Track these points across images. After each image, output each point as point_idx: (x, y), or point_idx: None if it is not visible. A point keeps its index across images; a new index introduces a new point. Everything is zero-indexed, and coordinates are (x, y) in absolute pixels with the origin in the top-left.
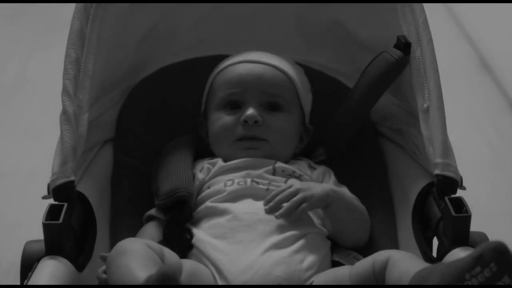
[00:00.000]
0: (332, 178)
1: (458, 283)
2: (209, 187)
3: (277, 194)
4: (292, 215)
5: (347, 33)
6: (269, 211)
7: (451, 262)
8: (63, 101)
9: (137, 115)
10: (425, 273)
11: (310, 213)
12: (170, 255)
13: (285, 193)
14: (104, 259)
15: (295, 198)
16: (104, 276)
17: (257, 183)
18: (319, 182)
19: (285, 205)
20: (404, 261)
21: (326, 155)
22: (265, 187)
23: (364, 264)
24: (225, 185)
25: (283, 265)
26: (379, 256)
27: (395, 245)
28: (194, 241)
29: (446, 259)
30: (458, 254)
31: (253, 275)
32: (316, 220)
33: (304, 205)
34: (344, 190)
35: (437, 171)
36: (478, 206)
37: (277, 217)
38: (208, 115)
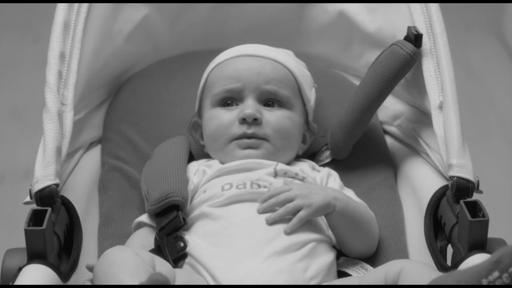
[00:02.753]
0: (337, 181)
1: None
2: (204, 191)
3: (274, 195)
4: (289, 223)
5: (353, 24)
6: (261, 212)
7: (467, 268)
8: (46, 98)
9: (125, 114)
10: (439, 281)
11: (315, 219)
12: (162, 264)
13: (282, 196)
14: (90, 269)
15: (290, 205)
16: (90, 285)
17: (258, 186)
18: (323, 186)
19: (280, 210)
20: (417, 271)
21: (331, 158)
22: (266, 190)
23: (376, 275)
24: (222, 189)
25: (285, 274)
26: (392, 267)
27: (405, 253)
28: (188, 249)
29: (462, 267)
30: (475, 261)
31: (253, 284)
32: (321, 226)
33: (301, 213)
34: (350, 196)
35: (451, 173)
36: (496, 210)
37: (267, 222)
38: (203, 113)
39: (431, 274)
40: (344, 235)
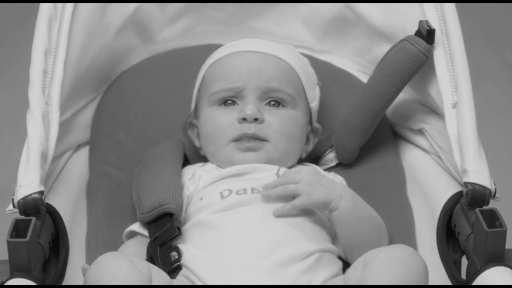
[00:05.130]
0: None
1: None
2: (201, 198)
3: (286, 176)
4: (281, 213)
5: (359, 17)
6: (265, 188)
7: None
8: (30, 98)
9: (115, 114)
10: None
11: (320, 228)
12: (159, 274)
13: (288, 177)
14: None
15: (290, 186)
16: (86, 284)
17: (259, 191)
18: None
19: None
20: (381, 267)
21: (337, 161)
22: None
23: (354, 265)
24: (221, 196)
25: None
26: (369, 256)
27: None
28: (183, 260)
29: (478, 281)
30: (492, 275)
31: None
32: (326, 235)
33: (297, 201)
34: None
35: (466, 179)
36: None
37: (262, 198)
38: (200, 113)
39: (394, 274)
40: (350, 237)
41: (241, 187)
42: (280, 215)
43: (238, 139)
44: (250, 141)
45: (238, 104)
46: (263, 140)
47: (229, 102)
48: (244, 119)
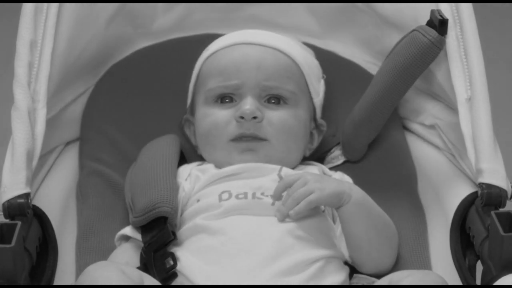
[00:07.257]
0: None
1: None
2: (198, 200)
3: (286, 185)
4: (298, 212)
5: (367, 6)
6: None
7: None
8: (15, 94)
9: (106, 109)
10: None
11: (325, 232)
12: (152, 283)
13: (295, 186)
14: None
15: (301, 190)
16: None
17: (261, 195)
18: None
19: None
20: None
21: (343, 159)
22: (270, 201)
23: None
24: (220, 198)
25: None
26: (398, 275)
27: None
28: (179, 267)
29: None
30: (508, 282)
31: None
32: (332, 239)
33: (311, 196)
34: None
35: (481, 179)
36: None
37: (277, 218)
38: (196, 110)
39: None
40: (359, 235)
41: (241, 191)
42: (295, 214)
43: (236, 139)
44: (249, 141)
45: (236, 101)
46: (262, 139)
47: (227, 99)
48: (242, 118)
